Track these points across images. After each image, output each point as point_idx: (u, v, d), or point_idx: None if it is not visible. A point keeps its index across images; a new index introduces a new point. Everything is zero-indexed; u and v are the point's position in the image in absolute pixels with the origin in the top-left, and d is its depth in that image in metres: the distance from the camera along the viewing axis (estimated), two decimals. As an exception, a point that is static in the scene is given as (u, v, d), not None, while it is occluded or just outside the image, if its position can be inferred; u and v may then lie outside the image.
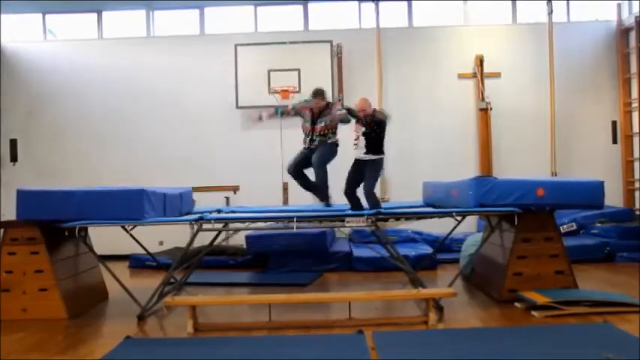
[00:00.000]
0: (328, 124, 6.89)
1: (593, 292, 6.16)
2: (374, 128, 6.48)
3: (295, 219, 5.89)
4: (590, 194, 6.08)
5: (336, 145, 7.01)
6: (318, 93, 6.95)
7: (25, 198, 5.88)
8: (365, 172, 6.60)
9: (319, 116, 6.94)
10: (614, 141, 10.84)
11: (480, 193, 5.92)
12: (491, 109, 10.68)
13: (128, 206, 5.82)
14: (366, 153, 6.55)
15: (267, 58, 10.47)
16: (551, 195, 5.96)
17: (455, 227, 7.29)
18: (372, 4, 10.93)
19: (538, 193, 5.92)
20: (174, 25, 11.43)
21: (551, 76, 10.61)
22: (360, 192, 6.70)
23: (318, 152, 6.90)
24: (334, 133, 6.97)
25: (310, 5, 11.20)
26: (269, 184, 10.51)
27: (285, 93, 10.20)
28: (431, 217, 7.01)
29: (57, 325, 5.65)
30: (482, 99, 10.69)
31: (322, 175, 6.93)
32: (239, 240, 9.30)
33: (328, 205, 7.01)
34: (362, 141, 6.56)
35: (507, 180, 6.18)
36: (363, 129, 6.52)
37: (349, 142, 6.82)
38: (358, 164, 6.66)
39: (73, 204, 5.80)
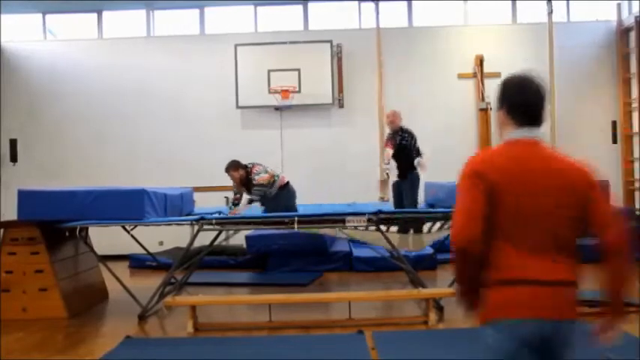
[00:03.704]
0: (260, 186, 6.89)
1: (594, 292, 6.16)
2: (402, 145, 6.70)
3: (296, 219, 5.90)
4: None
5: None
6: (226, 169, 6.98)
7: (25, 198, 5.89)
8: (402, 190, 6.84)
9: (248, 188, 6.93)
10: (614, 141, 10.84)
11: None
12: (491, 109, 10.67)
13: (129, 206, 5.83)
14: (399, 175, 6.85)
15: (267, 58, 10.46)
16: None
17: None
18: (372, 4, 10.92)
19: None
20: (174, 25, 11.43)
21: (551, 76, 10.59)
22: None
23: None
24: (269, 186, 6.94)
25: (310, 5, 11.19)
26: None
27: (285, 93, 10.20)
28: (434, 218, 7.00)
29: (57, 324, 5.65)
30: (483, 99, 10.68)
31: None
32: (239, 240, 9.30)
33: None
34: (393, 164, 6.79)
35: None
36: (392, 151, 6.65)
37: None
38: (395, 187, 6.85)
39: (74, 204, 5.81)
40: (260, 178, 6.82)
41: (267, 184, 6.86)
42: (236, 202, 7.09)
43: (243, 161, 10.17)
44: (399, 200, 6.97)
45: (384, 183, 10.44)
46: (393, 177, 6.93)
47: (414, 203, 6.90)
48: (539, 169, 2.01)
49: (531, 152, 2.04)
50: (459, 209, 1.96)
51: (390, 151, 6.80)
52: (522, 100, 2.07)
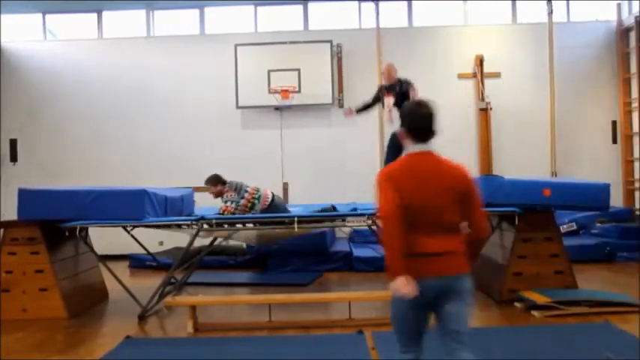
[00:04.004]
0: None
1: (594, 292, 6.16)
2: (403, 94, 6.48)
3: (296, 220, 5.90)
4: (596, 196, 6.10)
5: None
6: (206, 181, 6.76)
7: (26, 197, 5.89)
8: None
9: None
10: (614, 141, 10.83)
11: (487, 192, 5.93)
12: (491, 109, 10.68)
13: (129, 206, 5.83)
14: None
15: (267, 58, 10.46)
16: (557, 196, 5.97)
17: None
18: (372, 4, 10.92)
19: (545, 194, 5.93)
20: (174, 25, 11.42)
21: (551, 76, 10.61)
22: None
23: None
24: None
25: (310, 5, 11.18)
26: (269, 184, 10.45)
27: (285, 93, 10.20)
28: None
29: (57, 324, 5.65)
30: (483, 99, 10.68)
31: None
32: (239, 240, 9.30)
33: None
34: (395, 113, 6.47)
35: (514, 180, 6.19)
36: (393, 100, 6.52)
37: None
38: (396, 137, 6.59)
39: (75, 204, 5.81)
40: (224, 207, 6.48)
41: (246, 208, 6.55)
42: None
43: (245, 162, 10.22)
44: (395, 150, 6.67)
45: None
46: (394, 127, 6.67)
47: None
48: (431, 172, 2.79)
49: (425, 160, 2.82)
50: (382, 199, 2.74)
51: (391, 100, 6.66)
52: (417, 123, 2.83)
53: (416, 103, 2.95)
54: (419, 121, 2.82)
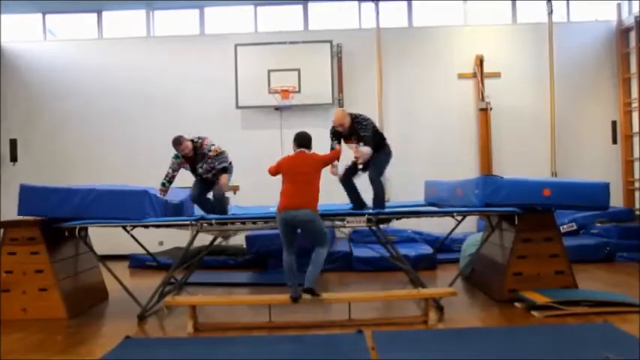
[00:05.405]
0: (211, 166, 6.70)
1: (594, 292, 6.16)
2: (363, 135, 6.22)
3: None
4: (595, 196, 6.10)
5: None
6: (176, 142, 6.70)
7: (27, 194, 5.90)
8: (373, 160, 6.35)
9: (195, 162, 6.75)
10: (614, 141, 10.84)
11: (486, 192, 5.94)
12: (491, 109, 10.68)
13: (130, 206, 5.84)
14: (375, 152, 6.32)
15: (267, 58, 10.48)
16: (556, 195, 5.97)
17: (455, 227, 7.29)
18: (372, 4, 10.93)
19: (544, 194, 5.93)
20: (174, 25, 11.43)
21: (551, 76, 10.62)
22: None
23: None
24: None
25: (310, 5, 11.19)
26: (269, 184, 10.45)
27: (285, 93, 10.21)
28: (431, 217, 6.98)
29: (57, 325, 5.65)
30: (483, 99, 10.69)
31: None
32: (239, 240, 9.29)
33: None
34: (367, 150, 6.20)
35: (513, 180, 6.19)
36: (361, 144, 6.26)
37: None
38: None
39: (75, 202, 5.81)
40: (216, 147, 6.72)
41: (221, 155, 6.72)
42: (171, 180, 6.84)
43: (244, 162, 10.15)
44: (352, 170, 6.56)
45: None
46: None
47: (380, 174, 6.49)
48: (299, 160, 5.46)
49: (299, 155, 5.50)
50: (272, 167, 5.67)
51: (353, 144, 6.28)
52: (299, 141, 5.56)
53: (300, 132, 5.58)
54: (299, 139, 5.52)
